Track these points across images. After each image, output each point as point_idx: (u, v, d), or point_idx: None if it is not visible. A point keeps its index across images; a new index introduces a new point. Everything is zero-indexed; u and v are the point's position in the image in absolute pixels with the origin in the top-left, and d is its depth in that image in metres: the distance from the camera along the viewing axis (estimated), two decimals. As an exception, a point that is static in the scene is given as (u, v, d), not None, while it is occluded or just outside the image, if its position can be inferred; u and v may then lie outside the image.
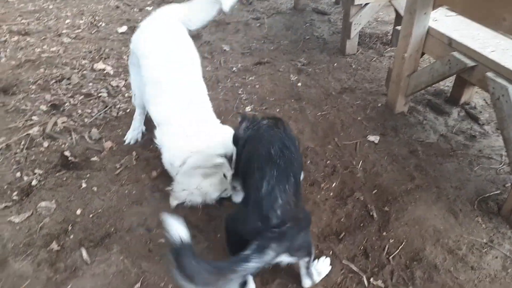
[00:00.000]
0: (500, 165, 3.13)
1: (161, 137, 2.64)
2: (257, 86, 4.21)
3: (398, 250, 2.54)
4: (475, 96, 3.86)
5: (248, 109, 3.87)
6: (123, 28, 5.17)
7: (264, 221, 1.85)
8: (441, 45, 3.12)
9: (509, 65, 2.61)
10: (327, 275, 2.40)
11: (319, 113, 3.75)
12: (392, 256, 2.52)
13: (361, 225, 2.72)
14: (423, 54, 3.40)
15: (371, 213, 2.77)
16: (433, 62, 3.23)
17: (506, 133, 2.59)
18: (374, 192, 2.93)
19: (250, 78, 4.34)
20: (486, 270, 2.40)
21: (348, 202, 2.87)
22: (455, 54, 2.93)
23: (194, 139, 2.52)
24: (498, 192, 2.88)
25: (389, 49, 4.81)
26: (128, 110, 3.78)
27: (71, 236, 2.56)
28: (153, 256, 2.47)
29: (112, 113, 3.74)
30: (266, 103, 3.94)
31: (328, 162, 3.20)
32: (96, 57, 4.54)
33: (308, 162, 3.21)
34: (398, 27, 3.41)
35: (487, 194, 2.85)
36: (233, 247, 2.08)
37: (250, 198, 1.99)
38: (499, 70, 2.65)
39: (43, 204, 2.74)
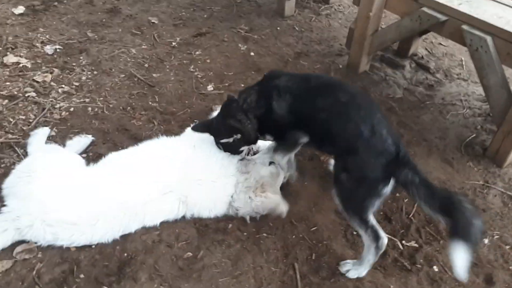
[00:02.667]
0: (464, 110, 3.46)
1: None
2: (209, 61, 3.91)
3: (414, 208, 2.68)
4: (419, 47, 4.15)
5: (209, 87, 3.59)
6: (20, 9, 4.26)
7: (386, 154, 2.00)
8: (406, 2, 3.22)
9: (481, 16, 2.82)
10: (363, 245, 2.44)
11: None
12: (411, 215, 2.66)
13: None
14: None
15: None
16: (401, 19, 3.34)
17: (486, 81, 2.85)
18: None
19: (197, 52, 4.01)
20: (493, 209, 2.69)
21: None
22: (425, 9, 3.06)
23: None
24: (474, 135, 3.20)
25: (323, 7, 4.85)
26: (72, 109, 3.20)
27: (81, 276, 2.14)
28: (188, 273, 2.21)
29: (54, 115, 3.13)
30: (226, 79, 3.70)
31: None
32: (1, 49, 3.70)
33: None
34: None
35: (467, 139, 3.15)
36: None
37: (350, 150, 2.04)
38: (472, 22, 2.85)
39: (18, 248, 2.21)
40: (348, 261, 2.31)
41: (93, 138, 2.98)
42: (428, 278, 2.31)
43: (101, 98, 3.38)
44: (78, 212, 2.12)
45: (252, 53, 4.05)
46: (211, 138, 2.53)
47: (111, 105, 3.33)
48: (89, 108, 3.26)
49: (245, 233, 2.46)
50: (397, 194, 2.76)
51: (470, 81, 3.81)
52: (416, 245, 2.50)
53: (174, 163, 2.39)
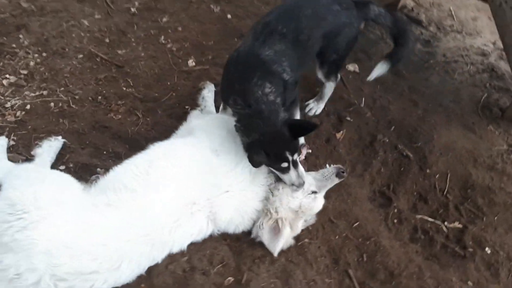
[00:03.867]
0: (468, 67, 3.32)
1: None
2: (180, 29, 3.34)
3: (448, 184, 2.54)
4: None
5: (190, 63, 3.08)
6: None
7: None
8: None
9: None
10: (409, 234, 2.27)
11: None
12: (446, 191, 2.52)
13: (402, 169, 2.60)
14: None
15: (404, 153, 2.66)
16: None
17: (508, 40, 2.68)
18: (392, 129, 2.79)
19: (164, 19, 3.40)
20: (523, 175, 2.62)
21: (376, 147, 2.68)
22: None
23: None
24: (486, 94, 3.09)
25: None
26: (28, 107, 2.56)
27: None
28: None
29: (7, 118, 2.49)
30: (207, 50, 3.19)
31: (327, 106, 2.85)
32: None
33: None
34: None
35: (481, 100, 3.03)
36: None
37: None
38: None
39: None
40: (309, 101, 2.76)
41: (64, 140, 2.41)
42: (484, 262, 2.21)
43: (62, 88, 2.75)
44: (97, 257, 1.65)
45: (229, 16, 3.53)
46: (231, 136, 2.11)
47: (77, 97, 2.72)
48: (51, 104, 2.63)
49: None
50: (428, 170, 2.59)
51: (465, 33, 3.67)
52: (460, 225, 2.37)
53: (197, 176, 1.95)
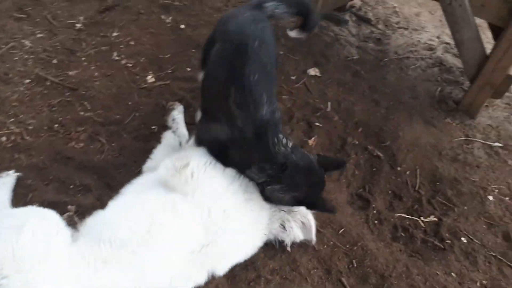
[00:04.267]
0: (418, 63, 3.47)
1: None
2: (133, 43, 3.20)
3: (418, 179, 2.65)
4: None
5: (149, 79, 2.95)
6: None
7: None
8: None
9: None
10: (390, 233, 2.35)
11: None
12: (417, 187, 2.62)
13: (374, 169, 2.67)
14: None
15: (375, 154, 2.74)
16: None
17: (459, 36, 2.83)
18: (360, 131, 2.86)
19: (114, 34, 3.23)
20: (482, 162, 2.80)
21: (348, 150, 2.73)
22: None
23: None
24: (439, 88, 3.25)
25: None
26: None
27: None
28: None
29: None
30: (165, 64, 3.08)
31: (295, 113, 2.86)
32: None
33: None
34: None
35: (436, 94, 3.18)
36: None
37: None
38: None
39: None
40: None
41: (17, 173, 2.22)
42: (462, 252, 2.32)
43: (12, 119, 2.53)
44: None
45: (182, 26, 3.43)
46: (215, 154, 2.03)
47: (30, 127, 2.51)
48: (3, 138, 2.41)
49: (276, 261, 2.12)
50: (398, 168, 2.68)
51: (411, 29, 3.83)
52: (435, 219, 2.47)
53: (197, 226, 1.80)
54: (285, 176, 1.86)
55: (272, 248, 2.14)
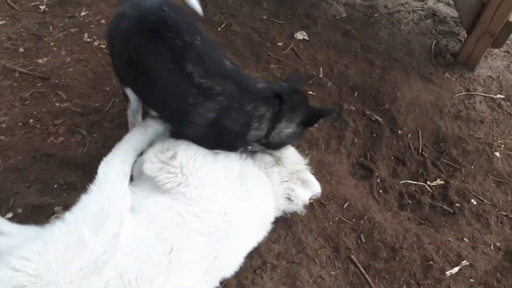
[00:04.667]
0: (411, 16, 3.27)
1: None
2: (104, 21, 2.95)
3: (421, 141, 2.53)
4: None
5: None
6: None
7: None
8: None
9: None
10: (397, 202, 2.24)
11: (223, 30, 2.97)
12: (420, 149, 2.50)
13: (374, 135, 2.54)
14: None
15: (373, 119, 2.60)
16: None
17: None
18: (356, 95, 2.70)
19: (82, 13, 2.98)
20: (486, 117, 2.68)
21: (345, 118, 2.59)
22: None
23: None
24: (434, 41, 3.06)
25: None
26: None
27: None
28: None
29: None
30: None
31: (287, 84, 2.68)
32: None
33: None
34: None
35: (432, 48, 3.00)
36: None
37: None
38: None
39: None
40: None
41: None
42: (473, 215, 2.23)
43: (-19, 118, 2.32)
44: None
45: None
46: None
47: (3, 125, 2.32)
48: (-26, 140, 2.22)
49: (280, 244, 2.02)
50: (399, 132, 2.55)
51: (399, -21, 3.59)
52: (442, 182, 2.38)
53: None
54: (284, 107, 1.74)
55: (275, 231, 2.02)
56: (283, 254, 1.98)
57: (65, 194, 2.07)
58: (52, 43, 2.76)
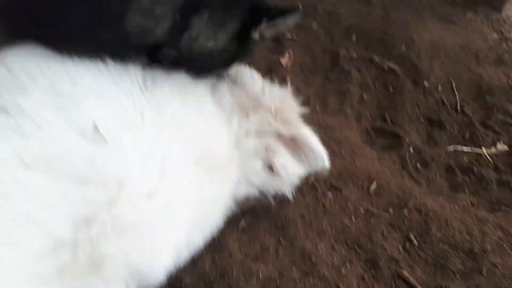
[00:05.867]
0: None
1: None
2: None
3: (457, 95, 1.70)
4: None
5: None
6: None
7: None
8: None
9: None
10: (446, 180, 1.38)
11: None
12: (459, 106, 1.67)
13: (391, 89, 1.69)
14: None
15: (387, 67, 1.75)
16: None
17: None
18: (354, 39, 1.89)
19: None
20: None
21: (344, 67, 1.73)
22: None
23: None
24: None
25: None
26: None
27: None
28: None
29: None
30: None
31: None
32: None
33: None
34: None
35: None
36: None
37: None
38: None
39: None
40: None
41: None
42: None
43: None
44: None
45: None
46: None
47: None
48: None
49: (269, 261, 1.05)
50: (426, 84, 1.73)
51: None
52: (505, 147, 1.53)
53: None
54: None
55: (252, 233, 1.07)
56: (277, 280, 1.00)
57: None
58: None
